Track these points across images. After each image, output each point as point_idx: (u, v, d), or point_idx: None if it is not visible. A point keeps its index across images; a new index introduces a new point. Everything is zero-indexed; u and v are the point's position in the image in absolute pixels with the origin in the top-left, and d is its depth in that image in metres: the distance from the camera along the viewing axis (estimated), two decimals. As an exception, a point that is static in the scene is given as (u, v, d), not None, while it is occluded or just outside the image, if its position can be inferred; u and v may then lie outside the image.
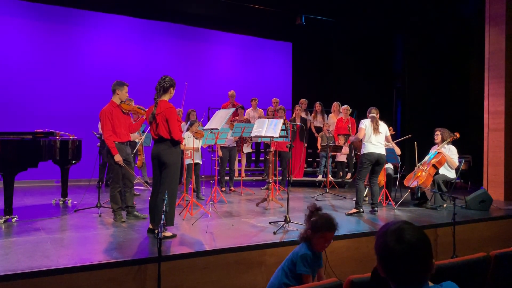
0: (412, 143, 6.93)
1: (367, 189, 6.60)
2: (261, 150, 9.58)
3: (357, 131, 5.96)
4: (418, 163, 6.52)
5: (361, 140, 5.83)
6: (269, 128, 5.86)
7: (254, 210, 5.96)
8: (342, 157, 8.66)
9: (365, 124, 5.77)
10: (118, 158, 4.90)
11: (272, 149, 6.56)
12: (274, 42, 11.47)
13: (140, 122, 5.41)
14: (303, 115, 8.91)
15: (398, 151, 6.70)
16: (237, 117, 8.18)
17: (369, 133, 5.72)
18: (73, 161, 6.15)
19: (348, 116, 8.38)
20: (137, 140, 6.88)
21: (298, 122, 8.36)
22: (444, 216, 5.76)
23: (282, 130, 5.86)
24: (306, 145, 8.81)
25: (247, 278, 3.87)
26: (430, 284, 1.43)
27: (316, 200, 6.99)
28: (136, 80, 8.36)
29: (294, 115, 8.66)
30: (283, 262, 2.88)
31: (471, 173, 8.68)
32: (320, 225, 2.73)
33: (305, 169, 9.35)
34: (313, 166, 9.84)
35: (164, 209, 3.47)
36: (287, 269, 2.79)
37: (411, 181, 6.44)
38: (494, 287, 2.57)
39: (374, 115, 5.86)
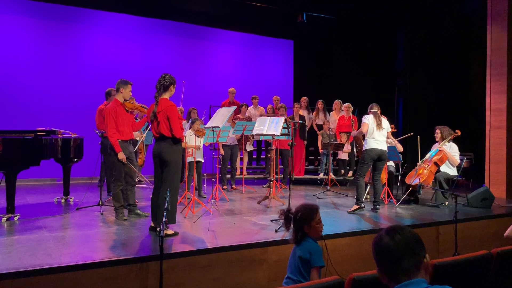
0: (414, 140, 6.93)
1: (368, 186, 6.59)
2: (263, 148, 9.57)
3: (359, 126, 5.95)
4: (420, 159, 6.51)
5: (364, 135, 5.81)
6: (270, 126, 5.87)
7: (256, 208, 5.97)
8: (343, 155, 8.65)
9: (368, 119, 5.74)
10: (121, 155, 4.90)
11: (273, 147, 6.55)
12: (275, 40, 11.45)
13: (143, 121, 5.42)
14: (305, 113, 8.89)
15: (400, 148, 6.69)
16: (238, 115, 8.18)
17: (372, 128, 5.69)
18: (75, 160, 6.16)
19: (349, 114, 8.36)
20: (138, 138, 6.88)
21: (297, 120, 8.34)
22: (445, 214, 5.75)
23: (283, 128, 5.85)
24: (306, 143, 8.79)
25: (249, 275, 3.87)
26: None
27: (318, 198, 6.99)
28: (137, 78, 8.32)
29: (293, 113, 8.65)
30: (288, 275, 2.85)
31: (473, 170, 8.66)
32: (308, 213, 2.82)
33: (306, 167, 9.34)
34: (314, 164, 9.83)
35: (166, 207, 3.47)
36: (297, 275, 2.78)
37: (413, 179, 6.44)
38: (496, 285, 2.57)
39: (376, 111, 5.84)
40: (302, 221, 2.82)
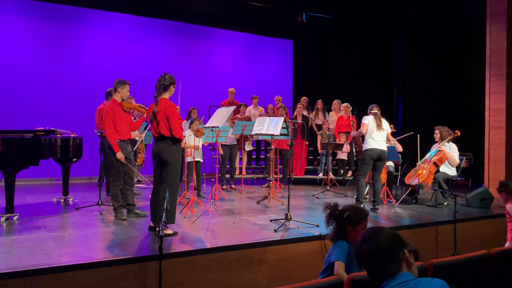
0: (414, 140, 6.93)
1: (368, 186, 6.60)
2: (262, 148, 9.58)
3: (359, 127, 5.98)
4: (420, 158, 6.52)
5: (363, 135, 5.84)
6: (269, 126, 5.86)
7: (255, 208, 5.97)
8: (343, 155, 8.66)
9: (368, 120, 5.78)
10: (120, 155, 4.90)
11: (273, 147, 6.55)
12: (274, 40, 11.45)
13: (141, 121, 5.42)
14: (305, 113, 8.91)
15: (399, 148, 6.70)
16: (238, 115, 8.18)
17: (372, 129, 5.73)
18: (74, 159, 6.15)
19: (348, 114, 8.37)
20: (137, 138, 6.88)
21: (299, 120, 8.35)
22: (445, 214, 5.76)
23: (283, 128, 5.85)
24: (307, 143, 8.81)
25: (248, 275, 3.87)
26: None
27: (317, 198, 7.00)
28: (137, 78, 8.35)
29: (295, 113, 8.66)
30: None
31: (472, 170, 8.67)
32: (357, 216, 2.72)
33: (306, 167, 9.34)
34: (313, 164, 9.83)
35: (165, 207, 3.47)
36: (323, 271, 2.77)
37: (412, 179, 6.44)
38: (495, 284, 2.57)
39: (377, 112, 5.88)
40: (348, 221, 2.70)
